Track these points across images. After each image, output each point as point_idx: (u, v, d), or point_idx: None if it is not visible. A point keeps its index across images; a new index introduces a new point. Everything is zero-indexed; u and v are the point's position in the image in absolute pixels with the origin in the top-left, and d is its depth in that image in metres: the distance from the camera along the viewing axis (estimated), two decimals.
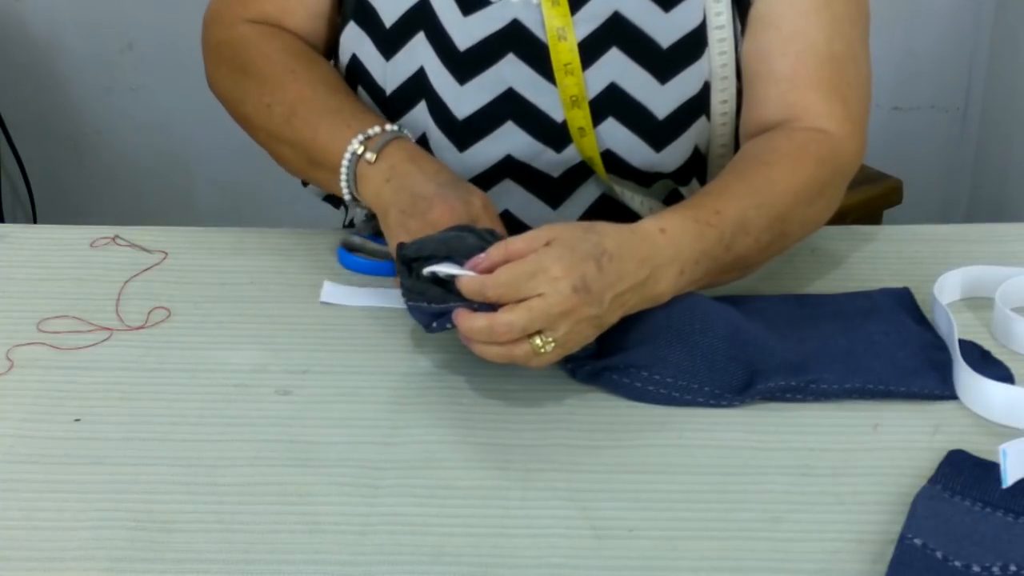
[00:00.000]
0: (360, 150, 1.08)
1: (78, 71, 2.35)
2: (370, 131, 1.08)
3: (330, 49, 1.24)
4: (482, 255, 0.94)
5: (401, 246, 0.99)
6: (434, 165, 1.08)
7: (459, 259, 0.95)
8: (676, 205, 1.05)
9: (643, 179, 1.18)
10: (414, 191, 1.05)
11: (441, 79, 1.15)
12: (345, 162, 1.08)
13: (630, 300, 0.96)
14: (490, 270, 0.93)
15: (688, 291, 1.01)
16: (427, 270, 0.95)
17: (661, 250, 0.97)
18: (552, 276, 0.92)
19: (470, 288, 0.93)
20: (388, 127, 1.09)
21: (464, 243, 0.96)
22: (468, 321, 0.93)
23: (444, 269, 0.95)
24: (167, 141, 2.42)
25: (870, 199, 2.15)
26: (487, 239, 0.97)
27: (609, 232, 0.96)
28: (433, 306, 0.96)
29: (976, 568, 0.80)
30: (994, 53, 2.37)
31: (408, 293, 0.98)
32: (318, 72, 1.17)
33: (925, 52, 2.40)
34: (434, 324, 0.96)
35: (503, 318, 0.92)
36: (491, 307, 0.92)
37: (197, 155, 2.42)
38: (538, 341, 0.93)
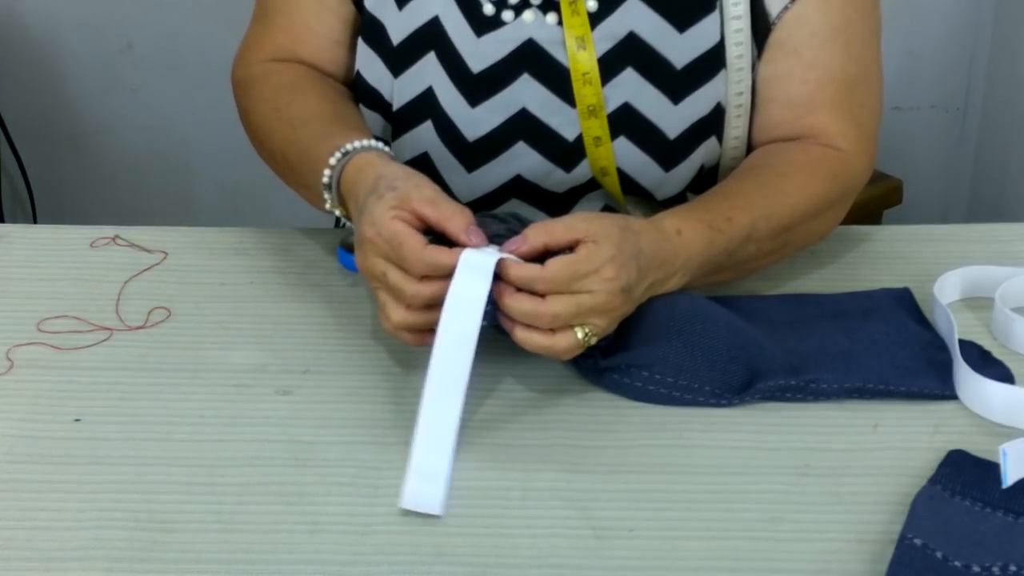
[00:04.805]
0: (328, 196, 1.05)
1: (78, 71, 2.35)
2: (328, 168, 1.03)
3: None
4: (518, 238, 0.94)
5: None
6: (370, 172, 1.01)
7: (491, 243, 0.95)
8: (691, 204, 1.06)
9: (649, 196, 1.18)
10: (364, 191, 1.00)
11: (452, 101, 1.14)
12: (328, 206, 1.06)
13: (647, 295, 0.99)
14: (530, 253, 0.93)
15: (682, 290, 1.02)
16: (465, 253, 0.94)
17: (677, 253, 0.99)
18: (605, 277, 0.92)
19: (520, 276, 0.92)
20: (343, 149, 1.03)
21: (488, 229, 0.96)
22: (514, 301, 0.93)
23: (484, 252, 0.94)
24: (167, 141, 2.42)
25: (870, 199, 2.15)
26: (512, 223, 0.97)
27: (643, 231, 0.97)
28: None
29: (976, 568, 0.80)
30: (994, 53, 2.37)
31: None
32: (300, 105, 1.15)
33: (925, 52, 2.40)
34: None
35: (550, 308, 0.92)
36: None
37: (197, 155, 2.42)
38: (580, 335, 0.93)
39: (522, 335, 0.94)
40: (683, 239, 1.00)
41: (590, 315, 0.93)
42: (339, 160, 1.04)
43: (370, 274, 0.96)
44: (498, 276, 0.93)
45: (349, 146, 1.04)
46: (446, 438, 0.90)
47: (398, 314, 0.95)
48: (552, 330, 0.93)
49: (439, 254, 0.92)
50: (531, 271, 0.92)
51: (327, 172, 1.04)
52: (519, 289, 0.93)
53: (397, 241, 0.93)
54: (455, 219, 0.94)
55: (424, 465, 0.89)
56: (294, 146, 1.11)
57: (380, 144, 1.05)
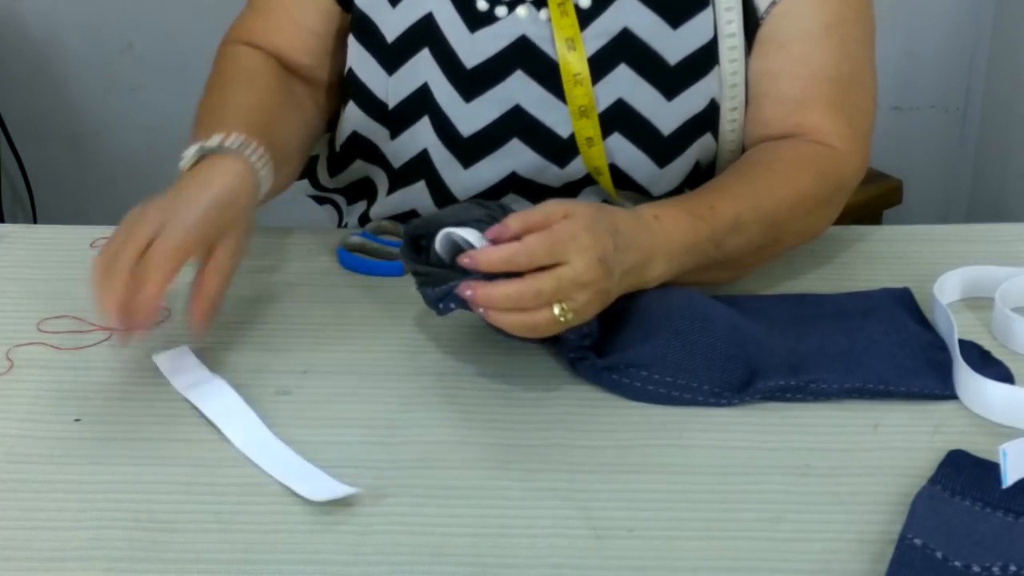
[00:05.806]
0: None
1: (78, 71, 2.35)
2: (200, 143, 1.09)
3: (338, 65, 1.22)
4: (499, 226, 0.94)
5: (407, 223, 1.01)
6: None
7: (471, 227, 0.95)
8: (674, 197, 1.07)
9: (644, 192, 1.18)
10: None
11: (446, 96, 1.14)
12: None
13: (630, 281, 0.99)
14: (512, 240, 0.93)
15: (679, 283, 1.02)
16: (445, 230, 0.95)
17: (655, 236, 1.00)
18: (582, 245, 0.93)
19: (500, 256, 0.92)
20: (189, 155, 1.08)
21: (471, 214, 0.97)
22: (492, 289, 0.92)
23: (463, 233, 0.94)
24: (167, 141, 2.39)
25: (870, 199, 2.16)
26: (494, 210, 0.98)
27: (618, 213, 0.99)
28: (436, 289, 0.96)
29: (976, 568, 0.80)
30: (994, 53, 2.37)
31: (416, 276, 0.99)
32: (233, 93, 1.18)
33: (925, 52, 2.40)
34: (440, 305, 0.96)
35: (532, 285, 0.92)
36: (496, 277, 0.92)
37: None
38: (557, 310, 0.93)
39: (499, 317, 0.93)
40: (661, 224, 1.00)
41: (570, 288, 0.93)
42: (215, 141, 1.07)
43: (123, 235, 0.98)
44: (468, 273, 0.93)
45: (221, 138, 1.07)
46: (274, 448, 0.93)
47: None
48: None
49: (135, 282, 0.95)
50: (510, 248, 0.92)
51: (201, 144, 1.08)
52: (490, 278, 0.92)
53: (127, 231, 0.96)
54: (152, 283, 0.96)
55: (294, 475, 0.90)
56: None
57: (256, 150, 1.06)
